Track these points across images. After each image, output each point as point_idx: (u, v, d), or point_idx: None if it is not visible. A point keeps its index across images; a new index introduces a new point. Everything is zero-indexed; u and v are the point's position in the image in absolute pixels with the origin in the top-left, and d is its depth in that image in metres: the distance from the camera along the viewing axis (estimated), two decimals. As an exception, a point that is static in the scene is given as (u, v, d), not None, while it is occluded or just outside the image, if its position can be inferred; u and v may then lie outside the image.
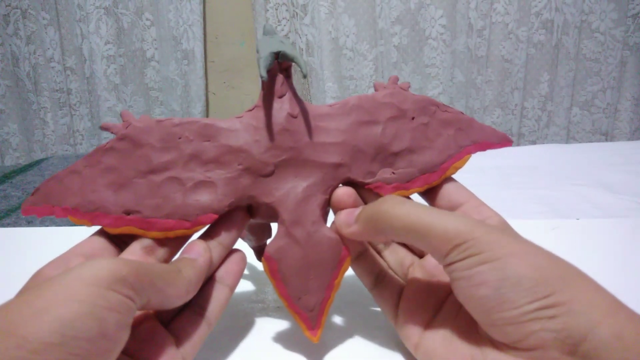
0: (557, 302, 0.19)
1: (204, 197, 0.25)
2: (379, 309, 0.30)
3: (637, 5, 1.29)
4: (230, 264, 0.26)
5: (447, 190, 0.28)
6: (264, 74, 0.25)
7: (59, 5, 1.36)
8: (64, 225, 0.54)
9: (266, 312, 0.31)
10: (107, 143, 0.25)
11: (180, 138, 0.26)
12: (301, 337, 0.29)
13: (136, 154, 0.25)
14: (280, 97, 0.26)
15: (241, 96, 1.50)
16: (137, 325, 0.23)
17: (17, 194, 0.62)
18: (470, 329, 0.23)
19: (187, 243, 0.26)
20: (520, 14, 1.30)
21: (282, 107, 0.26)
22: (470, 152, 0.29)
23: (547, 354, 0.19)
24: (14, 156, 1.47)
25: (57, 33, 1.38)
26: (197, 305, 0.25)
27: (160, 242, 0.25)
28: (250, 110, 0.27)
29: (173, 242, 0.25)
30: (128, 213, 0.24)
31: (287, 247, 0.25)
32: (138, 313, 0.23)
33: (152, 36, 1.39)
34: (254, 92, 1.48)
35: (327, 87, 1.37)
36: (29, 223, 0.53)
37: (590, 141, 1.41)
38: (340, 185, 0.27)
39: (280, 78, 0.26)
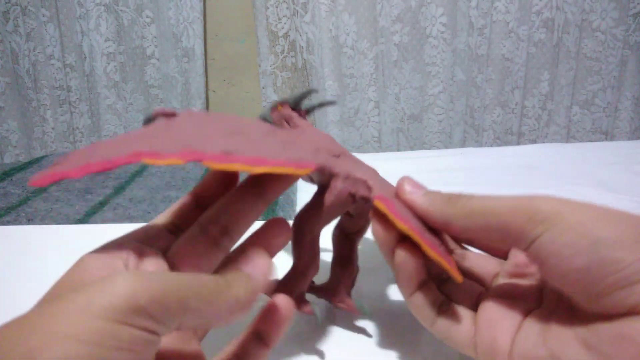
0: None
1: (298, 152, 0.24)
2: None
3: (638, 4, 1.29)
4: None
5: None
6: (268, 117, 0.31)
7: (59, 2, 1.36)
8: (64, 223, 0.54)
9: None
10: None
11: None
12: (299, 336, 0.29)
13: (218, 118, 0.24)
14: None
15: (241, 93, 1.50)
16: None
17: (17, 191, 0.62)
18: (569, 315, 0.21)
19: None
20: (521, 13, 1.30)
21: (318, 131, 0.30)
22: None
23: None
24: (14, 153, 1.47)
25: (57, 30, 1.38)
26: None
27: (225, 229, 0.22)
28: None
29: (241, 226, 0.22)
30: (227, 154, 0.21)
31: (388, 194, 0.25)
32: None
33: (152, 33, 1.39)
34: (254, 89, 1.48)
35: (327, 85, 1.37)
36: (29, 221, 0.53)
37: (591, 140, 1.41)
38: None
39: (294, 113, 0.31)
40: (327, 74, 1.36)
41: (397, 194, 0.25)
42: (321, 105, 0.32)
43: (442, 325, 0.24)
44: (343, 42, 1.33)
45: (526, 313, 0.23)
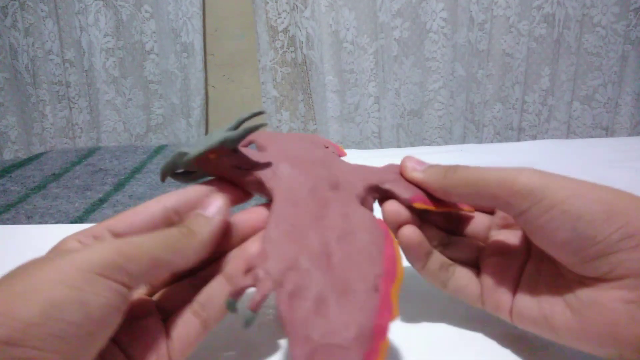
0: (636, 231, 0.20)
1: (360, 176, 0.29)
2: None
3: (639, -1, 1.28)
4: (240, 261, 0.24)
5: None
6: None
7: (58, -3, 1.35)
8: (64, 220, 0.54)
9: (264, 308, 0.31)
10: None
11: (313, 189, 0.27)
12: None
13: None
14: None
15: (241, 89, 1.50)
16: (135, 319, 0.23)
17: (17, 188, 0.62)
18: (555, 278, 0.24)
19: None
20: (521, 8, 1.29)
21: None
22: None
23: (637, 282, 0.20)
24: (13, 149, 1.47)
25: (56, 25, 1.37)
26: (196, 302, 0.24)
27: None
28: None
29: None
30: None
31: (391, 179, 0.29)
32: (137, 298, 0.24)
33: (152, 29, 1.38)
34: (254, 85, 1.48)
35: (327, 81, 1.37)
36: (29, 218, 0.53)
37: (591, 136, 1.41)
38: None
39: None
40: (327, 69, 1.36)
41: (401, 172, 0.29)
42: (245, 122, 0.27)
43: (453, 285, 0.28)
44: (343, 37, 1.33)
45: (520, 268, 0.26)
